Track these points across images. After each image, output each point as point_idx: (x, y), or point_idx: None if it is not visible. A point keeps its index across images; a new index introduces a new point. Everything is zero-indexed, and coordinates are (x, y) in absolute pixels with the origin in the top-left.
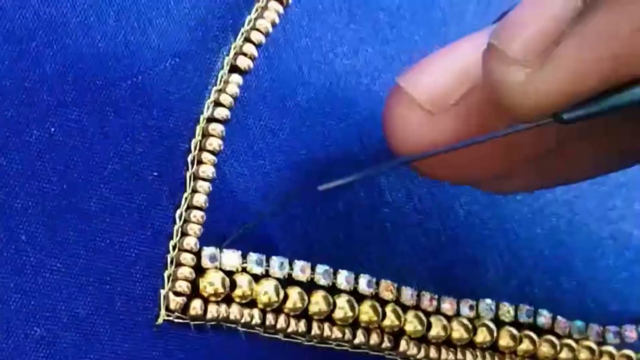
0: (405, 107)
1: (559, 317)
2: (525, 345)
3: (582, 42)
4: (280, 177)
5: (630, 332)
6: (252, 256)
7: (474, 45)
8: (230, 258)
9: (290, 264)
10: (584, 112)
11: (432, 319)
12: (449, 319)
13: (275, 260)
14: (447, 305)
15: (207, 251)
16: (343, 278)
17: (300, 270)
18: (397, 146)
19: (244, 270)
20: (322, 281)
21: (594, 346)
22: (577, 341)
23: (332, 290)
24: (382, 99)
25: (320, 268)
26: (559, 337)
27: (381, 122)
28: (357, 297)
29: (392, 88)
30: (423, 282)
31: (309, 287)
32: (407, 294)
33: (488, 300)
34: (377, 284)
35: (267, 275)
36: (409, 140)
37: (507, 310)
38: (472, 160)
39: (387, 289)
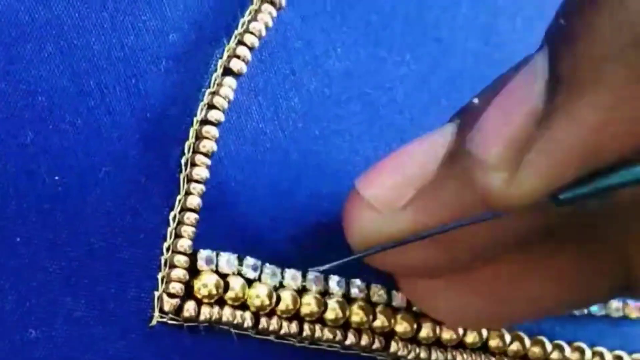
0: (359, 207)
1: None
2: (516, 346)
3: (549, 145)
4: (273, 180)
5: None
6: (249, 260)
7: (423, 149)
8: (227, 261)
9: (282, 273)
10: (581, 191)
11: (422, 320)
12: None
13: (268, 268)
14: None
15: (203, 254)
16: (335, 283)
17: (292, 278)
18: (354, 242)
19: (238, 273)
20: (314, 288)
21: (585, 347)
22: (568, 342)
23: (324, 293)
24: (374, 101)
25: (311, 274)
26: (549, 338)
27: (342, 220)
28: (348, 298)
29: (351, 189)
30: None
31: (301, 289)
32: (398, 298)
33: None
34: (368, 287)
35: (259, 280)
36: (364, 237)
37: None
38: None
39: (377, 294)
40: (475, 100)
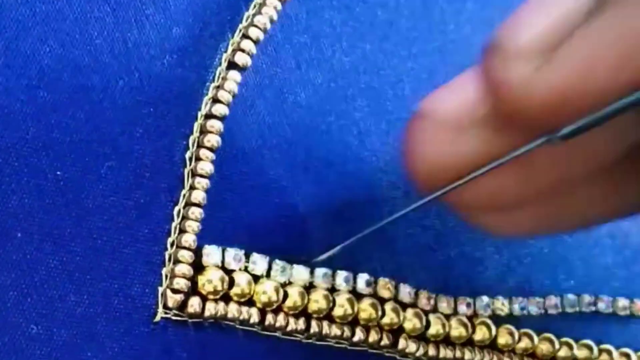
0: (428, 130)
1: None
2: (524, 343)
3: (590, 39)
4: (279, 175)
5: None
6: (255, 257)
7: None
8: (234, 257)
9: (290, 269)
10: (584, 122)
11: (431, 317)
12: (447, 317)
13: (277, 264)
14: (444, 304)
15: (209, 249)
16: (342, 279)
17: (299, 274)
18: (418, 172)
19: (245, 269)
20: (322, 284)
21: (592, 344)
22: (575, 340)
23: (332, 289)
24: (380, 95)
25: (319, 271)
26: (557, 335)
27: (401, 148)
28: (356, 295)
29: (413, 115)
30: (421, 280)
31: (309, 285)
32: (405, 292)
33: (485, 298)
34: (375, 282)
35: (268, 276)
36: (431, 164)
37: (501, 304)
38: (483, 186)
39: (384, 287)
40: None
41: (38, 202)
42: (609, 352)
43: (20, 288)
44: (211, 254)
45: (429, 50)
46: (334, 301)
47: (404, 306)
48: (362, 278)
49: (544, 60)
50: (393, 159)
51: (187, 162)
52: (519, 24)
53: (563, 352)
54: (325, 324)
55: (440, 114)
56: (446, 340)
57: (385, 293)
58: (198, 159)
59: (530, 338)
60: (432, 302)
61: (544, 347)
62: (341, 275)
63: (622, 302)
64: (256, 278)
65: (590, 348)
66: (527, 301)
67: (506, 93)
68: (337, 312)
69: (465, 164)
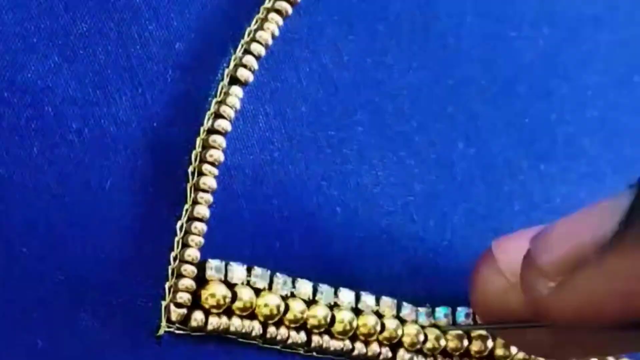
0: (489, 269)
1: None
2: (522, 355)
3: (600, 274)
4: (280, 189)
5: None
6: (257, 271)
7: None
8: (237, 271)
9: (293, 282)
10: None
11: (428, 330)
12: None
13: (279, 278)
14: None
15: (212, 263)
16: (344, 296)
17: (303, 288)
18: (477, 304)
19: (247, 283)
20: (324, 300)
21: None
22: None
23: (333, 305)
24: (380, 109)
25: (323, 287)
26: None
27: (469, 276)
28: (357, 310)
29: (486, 249)
30: (418, 294)
31: (311, 300)
32: (406, 311)
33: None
34: (378, 301)
35: (269, 289)
36: (486, 299)
37: None
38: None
39: (387, 306)
40: None
41: (43, 218)
42: None
43: (25, 303)
44: (214, 268)
45: (429, 64)
46: (333, 317)
47: (403, 321)
48: (365, 297)
49: (562, 282)
50: (392, 173)
51: (190, 177)
52: (547, 241)
53: None
54: (325, 337)
55: (503, 263)
56: (444, 352)
57: (387, 312)
58: (201, 173)
59: None
60: (431, 319)
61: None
62: (344, 292)
63: None
64: (258, 291)
65: None
66: None
67: (534, 297)
68: (337, 327)
69: (516, 314)
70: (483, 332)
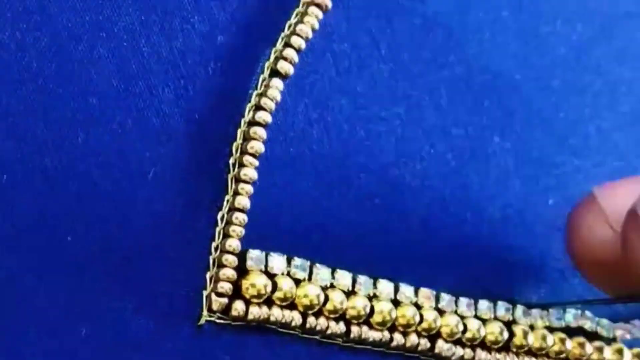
0: (593, 218)
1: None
2: (558, 347)
3: None
4: (320, 181)
5: None
6: (297, 261)
7: None
8: (277, 262)
9: (333, 273)
10: None
11: (467, 321)
12: (484, 321)
13: (319, 269)
14: (485, 309)
15: (253, 254)
16: (383, 287)
17: (342, 279)
18: (577, 251)
19: (287, 273)
20: (363, 291)
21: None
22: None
23: (372, 296)
24: (417, 103)
25: (362, 278)
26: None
27: (567, 223)
28: (395, 302)
29: (586, 195)
30: (456, 285)
31: (350, 291)
32: (445, 301)
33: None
34: (416, 292)
35: (309, 280)
36: (589, 249)
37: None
38: None
39: (426, 297)
40: None
41: (87, 207)
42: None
43: (69, 291)
44: (255, 258)
45: (465, 58)
46: (372, 307)
47: (442, 312)
48: (404, 288)
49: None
50: (430, 166)
51: (231, 168)
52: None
53: (596, 355)
54: (364, 328)
55: (607, 209)
56: (482, 344)
57: (426, 302)
58: (241, 165)
59: (563, 341)
60: (472, 308)
61: (576, 351)
62: (383, 283)
63: None
64: (298, 282)
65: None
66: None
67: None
68: (377, 318)
69: (618, 264)
70: (526, 327)
